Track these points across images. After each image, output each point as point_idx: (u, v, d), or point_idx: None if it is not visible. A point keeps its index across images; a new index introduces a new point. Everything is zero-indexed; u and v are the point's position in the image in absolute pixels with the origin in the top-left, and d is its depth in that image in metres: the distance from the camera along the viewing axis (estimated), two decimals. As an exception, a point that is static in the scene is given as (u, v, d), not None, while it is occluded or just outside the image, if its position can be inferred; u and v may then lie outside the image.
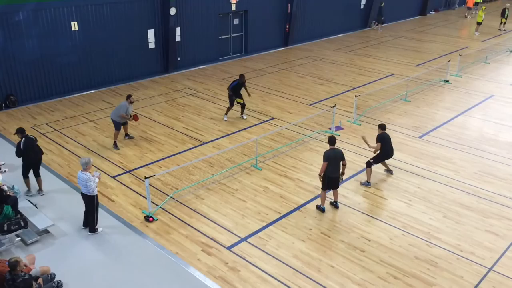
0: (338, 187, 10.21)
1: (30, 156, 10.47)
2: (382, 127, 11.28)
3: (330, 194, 10.57)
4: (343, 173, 10.05)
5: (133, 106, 12.99)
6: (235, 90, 14.78)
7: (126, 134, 13.67)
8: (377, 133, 11.36)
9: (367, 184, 11.25)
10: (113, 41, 18.21)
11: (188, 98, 17.36)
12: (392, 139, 13.69)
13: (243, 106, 15.18)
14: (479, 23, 28.59)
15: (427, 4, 35.47)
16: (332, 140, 9.95)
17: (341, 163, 9.89)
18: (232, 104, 15.02)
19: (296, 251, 8.99)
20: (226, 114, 15.25)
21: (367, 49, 25.30)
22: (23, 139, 10.36)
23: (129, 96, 13.01)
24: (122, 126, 13.26)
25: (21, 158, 10.48)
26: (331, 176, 9.90)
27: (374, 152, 11.29)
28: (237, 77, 15.09)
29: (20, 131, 10.48)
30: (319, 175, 9.95)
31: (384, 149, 11.16)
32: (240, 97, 14.91)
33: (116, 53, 18.51)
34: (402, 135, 14.13)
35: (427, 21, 33.79)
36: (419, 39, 27.80)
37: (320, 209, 10.21)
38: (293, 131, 14.32)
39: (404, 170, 12.04)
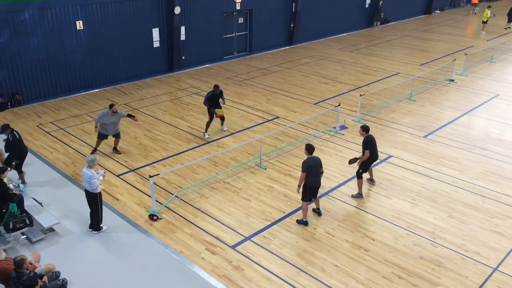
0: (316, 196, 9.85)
1: (21, 150, 10.79)
2: (366, 129, 10.60)
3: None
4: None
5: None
6: (211, 102, 13.52)
7: (114, 148, 12.76)
8: (361, 137, 10.71)
9: (359, 196, 10.64)
10: (118, 40, 18.26)
11: (192, 97, 17.38)
12: (397, 139, 13.77)
13: (222, 118, 14.10)
14: (484, 22, 28.39)
15: (433, 3, 35.31)
16: (310, 149, 9.47)
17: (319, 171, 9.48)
18: (211, 118, 13.73)
19: (300, 250, 8.99)
20: (206, 131, 13.83)
21: (372, 48, 25.23)
22: (11, 134, 10.64)
23: (110, 106, 12.06)
24: (114, 139, 12.53)
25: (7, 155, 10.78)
26: (314, 186, 9.47)
27: (359, 159, 10.60)
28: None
29: (8, 127, 10.72)
30: (299, 186, 9.44)
31: (371, 153, 10.49)
32: (219, 107, 13.74)
33: (121, 52, 18.56)
34: (407, 135, 14.08)
35: (432, 20, 33.66)
36: (424, 38, 27.69)
37: (303, 223, 9.65)
38: (297, 130, 14.31)
39: (409, 170, 12.00)
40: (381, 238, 9.35)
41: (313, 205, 10.14)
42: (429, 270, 8.50)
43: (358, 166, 10.66)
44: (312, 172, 9.35)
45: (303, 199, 9.60)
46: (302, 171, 9.30)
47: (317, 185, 9.56)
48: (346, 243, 9.19)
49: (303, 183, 9.42)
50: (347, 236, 9.40)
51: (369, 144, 10.44)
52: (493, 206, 10.48)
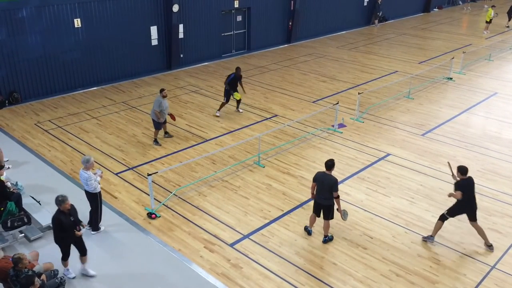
0: (327, 218, 8.97)
1: None
2: (462, 171, 8.78)
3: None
4: (338, 209, 8.87)
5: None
6: (232, 84, 14.68)
7: (166, 132, 13.47)
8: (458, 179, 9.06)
9: (430, 238, 9.22)
10: (116, 38, 18.22)
11: (190, 95, 17.36)
12: (395, 137, 13.77)
13: (238, 100, 15.16)
14: (488, 22, 28.13)
15: (431, 1, 35.34)
16: (327, 164, 8.79)
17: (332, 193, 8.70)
18: (228, 99, 14.89)
19: (298, 248, 9.00)
20: (219, 110, 15.04)
21: (370, 46, 25.23)
22: None
23: (161, 90, 12.69)
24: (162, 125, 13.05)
25: None
26: (317, 202, 8.98)
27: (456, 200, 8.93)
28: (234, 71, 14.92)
29: None
30: (312, 194, 9.09)
31: (466, 200, 8.75)
32: (237, 91, 14.86)
33: (119, 50, 18.52)
34: (405, 133, 14.10)
35: (430, 18, 33.67)
36: (423, 36, 27.70)
37: (307, 230, 9.35)
38: (295, 129, 14.31)
39: (407, 168, 12.01)
40: (379, 236, 9.37)
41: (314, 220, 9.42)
42: (427, 268, 8.52)
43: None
44: (317, 187, 8.86)
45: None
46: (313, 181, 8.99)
47: (320, 202, 8.91)
48: (344, 241, 9.21)
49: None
50: (345, 234, 9.41)
51: (465, 187, 8.75)
52: (490, 204, 10.51)
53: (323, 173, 8.86)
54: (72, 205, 7.92)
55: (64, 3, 16.44)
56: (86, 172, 8.80)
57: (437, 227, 9.16)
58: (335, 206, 8.91)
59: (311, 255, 8.82)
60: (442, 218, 9.11)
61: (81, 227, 8.04)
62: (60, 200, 7.69)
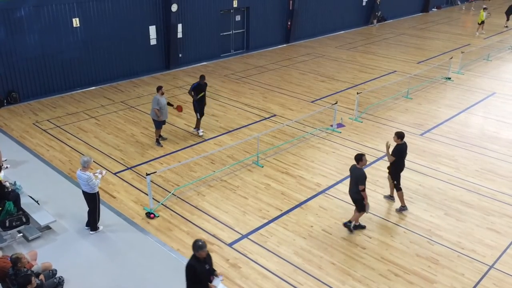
0: (358, 211, 9.28)
1: None
2: (400, 136, 9.95)
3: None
4: (364, 201, 9.05)
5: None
6: (197, 92, 13.26)
7: (160, 135, 13.21)
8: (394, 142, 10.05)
9: (403, 208, 10.16)
10: (114, 37, 18.20)
11: (189, 95, 17.31)
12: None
13: (199, 118, 13.65)
14: (479, 23, 28.02)
15: (430, 1, 35.38)
16: (355, 157, 8.99)
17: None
18: (201, 114, 13.58)
19: (297, 248, 9.01)
20: (198, 128, 13.72)
21: (369, 46, 25.25)
22: None
23: (159, 88, 12.55)
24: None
25: None
26: (348, 192, 9.35)
27: (391, 164, 10.01)
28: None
29: None
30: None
31: (400, 163, 9.98)
32: (202, 106, 13.47)
33: (117, 49, 18.51)
34: (404, 132, 14.06)
35: (429, 18, 33.70)
36: (421, 36, 27.72)
37: (347, 227, 9.50)
38: (294, 128, 14.31)
39: (406, 168, 11.95)
40: (377, 236, 9.38)
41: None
42: (425, 267, 8.53)
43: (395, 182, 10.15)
44: (350, 180, 9.19)
45: None
46: None
47: (349, 195, 9.28)
48: (343, 241, 9.22)
49: None
50: (344, 234, 9.42)
51: (400, 151, 9.87)
52: (489, 204, 10.53)
53: (354, 166, 9.11)
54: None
55: (63, 2, 16.42)
56: (85, 173, 8.77)
57: (401, 196, 10.11)
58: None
59: (309, 254, 8.82)
60: (398, 188, 10.07)
61: (215, 277, 6.87)
62: (199, 246, 6.54)
